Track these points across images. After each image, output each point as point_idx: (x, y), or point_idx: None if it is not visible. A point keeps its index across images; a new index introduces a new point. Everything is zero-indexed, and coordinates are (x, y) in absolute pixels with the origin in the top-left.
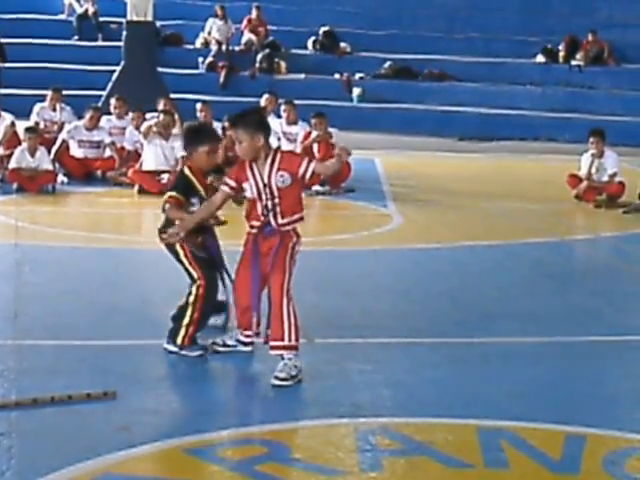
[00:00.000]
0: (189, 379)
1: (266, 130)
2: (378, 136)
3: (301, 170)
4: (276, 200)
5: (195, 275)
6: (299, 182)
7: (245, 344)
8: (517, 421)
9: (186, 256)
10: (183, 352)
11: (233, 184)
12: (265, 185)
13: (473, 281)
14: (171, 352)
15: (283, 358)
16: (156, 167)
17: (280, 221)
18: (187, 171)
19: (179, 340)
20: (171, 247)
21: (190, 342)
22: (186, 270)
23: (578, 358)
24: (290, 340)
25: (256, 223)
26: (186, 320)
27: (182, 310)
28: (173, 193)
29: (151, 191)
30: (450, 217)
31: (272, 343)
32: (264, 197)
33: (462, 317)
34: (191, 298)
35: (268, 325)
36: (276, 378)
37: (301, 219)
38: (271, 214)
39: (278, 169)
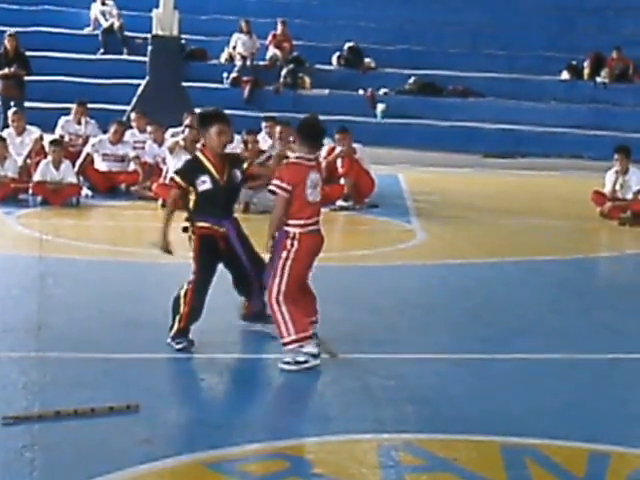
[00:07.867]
0: (212, 393)
1: (312, 142)
2: (402, 152)
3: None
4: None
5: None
6: None
7: (314, 356)
8: (541, 438)
9: (194, 250)
10: (170, 342)
11: (290, 188)
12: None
13: (497, 297)
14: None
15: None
16: None
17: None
18: (199, 154)
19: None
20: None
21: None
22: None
23: (602, 375)
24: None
25: (310, 221)
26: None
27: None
28: (174, 175)
29: None
30: (474, 233)
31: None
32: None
33: (486, 333)
34: (182, 292)
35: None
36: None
37: None
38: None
39: None
